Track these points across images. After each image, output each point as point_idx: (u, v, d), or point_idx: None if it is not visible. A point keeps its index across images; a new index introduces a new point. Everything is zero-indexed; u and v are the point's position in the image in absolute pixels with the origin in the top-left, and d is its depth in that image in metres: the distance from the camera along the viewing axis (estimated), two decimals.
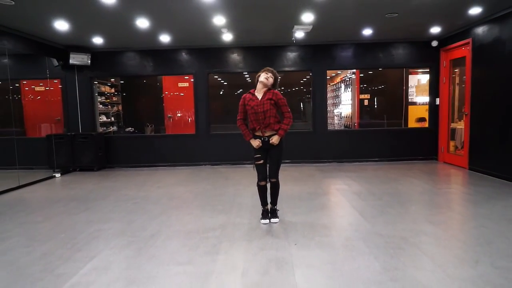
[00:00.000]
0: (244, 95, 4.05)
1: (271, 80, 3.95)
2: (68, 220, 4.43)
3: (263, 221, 4.08)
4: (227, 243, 3.49)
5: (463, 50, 7.14)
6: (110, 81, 9.83)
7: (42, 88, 9.19)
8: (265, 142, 3.95)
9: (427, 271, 2.78)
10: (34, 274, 2.90)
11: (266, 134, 3.94)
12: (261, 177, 4.03)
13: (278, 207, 4.22)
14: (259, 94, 3.96)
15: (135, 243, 3.55)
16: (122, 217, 4.49)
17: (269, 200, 4.16)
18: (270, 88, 3.97)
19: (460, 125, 7.63)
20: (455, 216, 4.29)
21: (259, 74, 3.99)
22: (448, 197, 5.13)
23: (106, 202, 5.24)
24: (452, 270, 2.78)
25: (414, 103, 9.32)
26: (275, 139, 3.89)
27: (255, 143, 3.94)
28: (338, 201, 5.11)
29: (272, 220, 4.10)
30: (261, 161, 3.99)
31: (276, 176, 4.05)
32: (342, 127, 10.74)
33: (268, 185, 4.09)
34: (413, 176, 6.56)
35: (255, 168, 4.05)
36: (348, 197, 5.17)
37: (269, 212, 4.15)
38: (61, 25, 6.05)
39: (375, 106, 10.37)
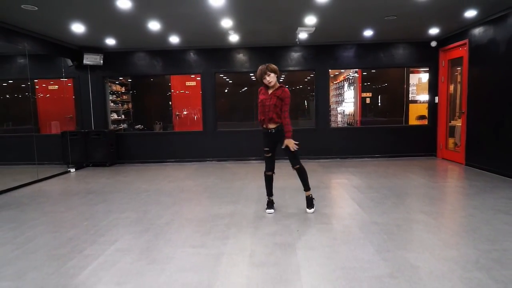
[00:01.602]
0: (261, 87, 4.32)
1: (273, 79, 4.15)
2: (88, 210, 4.80)
3: (268, 211, 4.42)
4: (235, 230, 3.84)
5: (460, 50, 7.42)
6: (120, 79, 10.19)
7: (55, 87, 9.59)
8: (271, 134, 4.24)
9: (415, 252, 3.11)
10: (65, 255, 3.27)
11: (270, 127, 4.23)
12: (268, 168, 4.38)
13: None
14: (270, 89, 4.24)
15: (152, 230, 3.91)
16: (137, 207, 4.85)
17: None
18: (282, 86, 4.22)
19: (459, 123, 7.90)
20: (447, 207, 4.61)
21: (260, 76, 4.15)
22: (443, 191, 5.45)
23: (121, 195, 5.61)
24: (437, 252, 3.11)
25: (415, 101, 9.60)
26: (288, 144, 4.11)
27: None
28: (338, 193, 5.45)
29: (308, 210, 4.35)
30: (269, 154, 4.33)
31: (297, 163, 4.25)
32: (345, 125, 11.05)
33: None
34: (411, 171, 6.87)
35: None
36: (348, 190, 5.50)
37: (273, 203, 4.48)
38: (78, 28, 6.41)
39: (378, 104, 10.65)
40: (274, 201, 4.56)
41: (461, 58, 7.46)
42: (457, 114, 8.25)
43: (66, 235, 3.79)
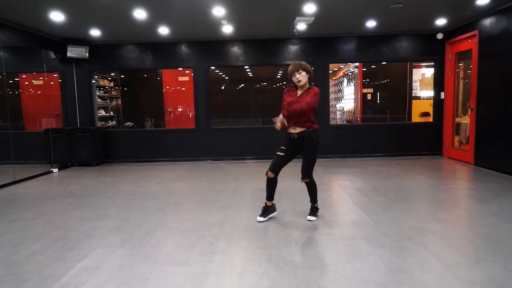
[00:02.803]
0: (287, 87, 3.90)
1: (303, 79, 3.72)
2: (62, 217, 4.30)
3: (258, 218, 3.91)
4: (225, 242, 3.35)
5: (469, 42, 6.94)
6: (110, 75, 9.67)
7: (41, 82, 9.05)
8: (294, 140, 3.80)
9: (435, 273, 2.63)
10: (21, 275, 2.76)
11: (296, 131, 3.78)
12: (271, 167, 3.86)
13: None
14: (299, 91, 3.80)
15: (129, 242, 3.41)
16: (117, 214, 4.36)
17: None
18: (311, 87, 3.79)
19: (465, 120, 7.46)
20: (462, 213, 4.13)
21: (291, 72, 3.74)
22: (454, 194, 4.98)
23: (103, 198, 5.11)
24: (461, 272, 2.63)
25: (418, 98, 9.15)
26: (277, 120, 3.76)
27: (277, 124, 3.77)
28: (340, 197, 4.97)
29: (309, 217, 3.92)
30: (283, 154, 3.84)
31: (308, 176, 3.88)
32: (345, 122, 10.58)
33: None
34: (417, 171, 6.40)
35: None
36: (350, 194, 5.02)
37: (267, 210, 3.98)
38: (57, 16, 5.88)
39: (378, 101, 10.20)
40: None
41: (469, 50, 6.98)
42: (461, 110, 7.79)
43: (29, 249, 3.28)
